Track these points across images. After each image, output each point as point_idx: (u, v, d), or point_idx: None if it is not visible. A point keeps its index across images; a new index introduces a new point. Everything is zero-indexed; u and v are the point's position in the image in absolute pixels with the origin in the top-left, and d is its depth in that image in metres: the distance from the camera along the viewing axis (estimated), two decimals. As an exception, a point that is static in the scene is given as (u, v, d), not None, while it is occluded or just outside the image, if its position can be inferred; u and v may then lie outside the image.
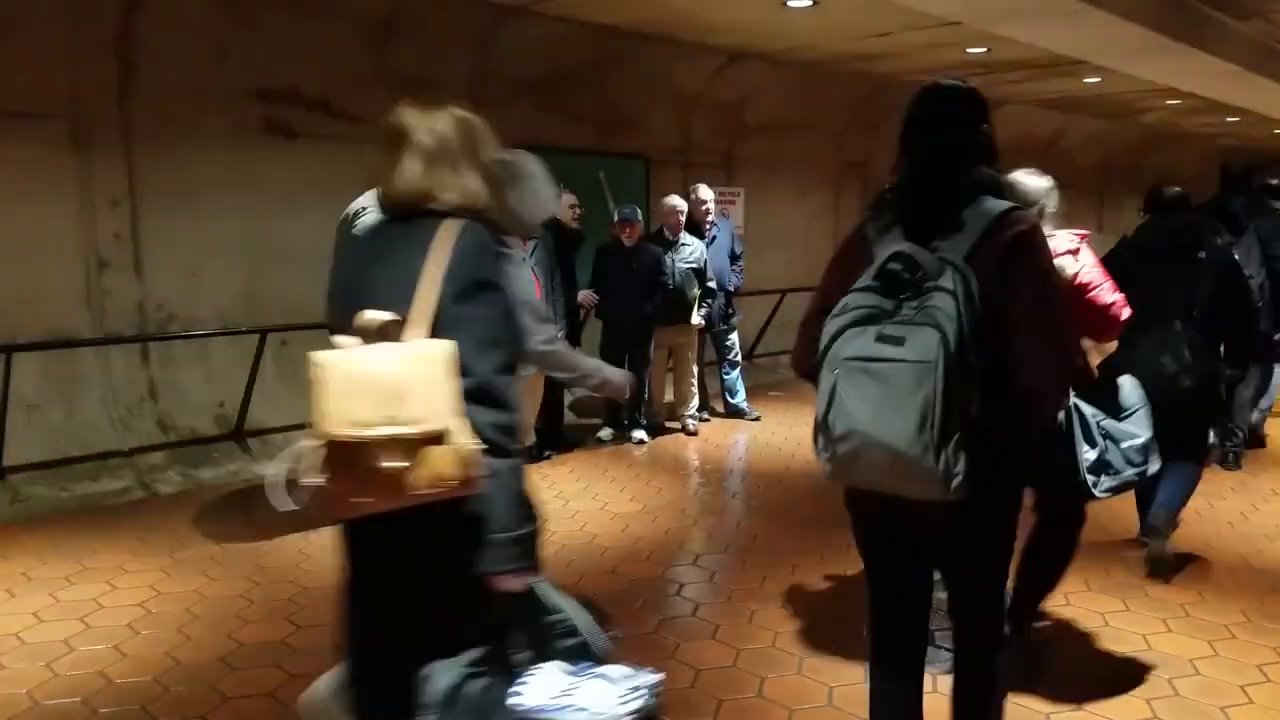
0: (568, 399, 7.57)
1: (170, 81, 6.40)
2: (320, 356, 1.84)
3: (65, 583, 4.51)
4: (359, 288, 2.05)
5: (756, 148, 10.66)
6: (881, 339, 2.08)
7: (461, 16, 7.37)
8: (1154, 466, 3.36)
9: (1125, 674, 3.61)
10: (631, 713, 2.13)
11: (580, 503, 5.82)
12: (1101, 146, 15.83)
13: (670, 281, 7.12)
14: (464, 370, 1.89)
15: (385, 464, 1.81)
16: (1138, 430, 3.34)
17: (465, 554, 1.95)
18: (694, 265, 7.28)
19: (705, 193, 7.82)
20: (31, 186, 5.97)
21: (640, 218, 7.22)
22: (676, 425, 7.69)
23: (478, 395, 1.91)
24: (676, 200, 7.43)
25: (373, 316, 1.90)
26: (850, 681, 3.52)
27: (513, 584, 1.99)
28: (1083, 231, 3.47)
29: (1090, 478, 3.23)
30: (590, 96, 8.79)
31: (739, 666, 3.66)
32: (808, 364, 2.27)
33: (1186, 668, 3.63)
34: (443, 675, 1.98)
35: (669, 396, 7.83)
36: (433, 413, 1.82)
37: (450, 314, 1.93)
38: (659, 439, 7.47)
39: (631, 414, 7.35)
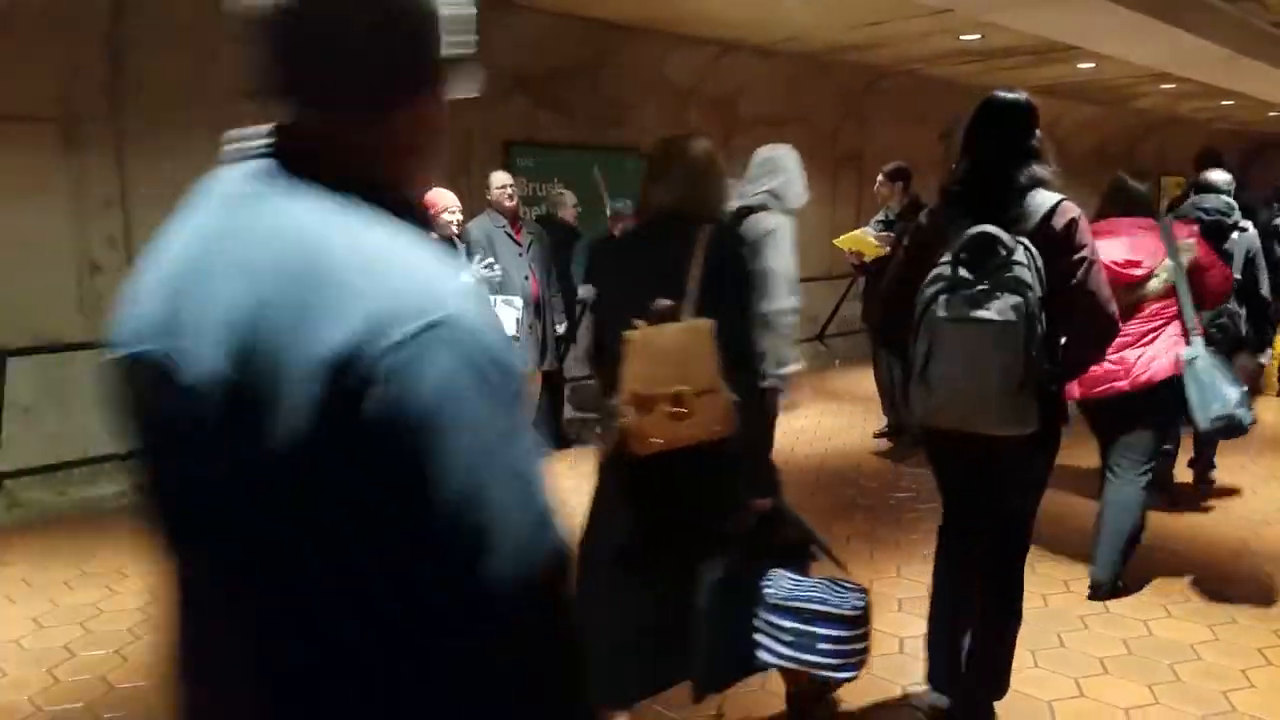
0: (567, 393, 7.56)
1: (162, 83, 6.38)
2: (629, 335, 2.53)
3: (65, 588, 4.50)
4: (633, 281, 2.70)
5: (752, 140, 10.59)
6: (971, 303, 2.54)
7: (452, 12, 7.34)
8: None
9: (1126, 659, 3.62)
10: (853, 608, 2.64)
11: (579, 499, 5.80)
12: (1096, 133, 15.80)
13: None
14: (725, 341, 2.54)
15: (672, 411, 2.53)
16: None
17: (728, 481, 2.67)
18: None
19: None
20: (23, 190, 5.95)
21: (633, 211, 7.21)
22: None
23: (736, 361, 2.59)
24: None
25: (661, 303, 2.55)
26: (852, 673, 3.52)
27: (761, 505, 2.73)
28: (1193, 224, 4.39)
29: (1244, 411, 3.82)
30: (583, 90, 8.77)
31: (740, 660, 3.66)
32: (896, 332, 2.80)
33: (1188, 653, 3.64)
34: (712, 572, 2.60)
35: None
36: (704, 374, 2.53)
37: (712, 298, 2.57)
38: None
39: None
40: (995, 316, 2.49)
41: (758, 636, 2.63)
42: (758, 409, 2.74)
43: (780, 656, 2.63)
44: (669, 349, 2.53)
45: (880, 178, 6.79)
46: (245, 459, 0.88)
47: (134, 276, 1.08)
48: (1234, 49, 9.24)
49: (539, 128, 8.70)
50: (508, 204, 6.22)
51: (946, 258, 2.63)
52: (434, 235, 5.03)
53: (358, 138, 0.99)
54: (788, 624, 2.60)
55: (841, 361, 10.12)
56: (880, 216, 6.83)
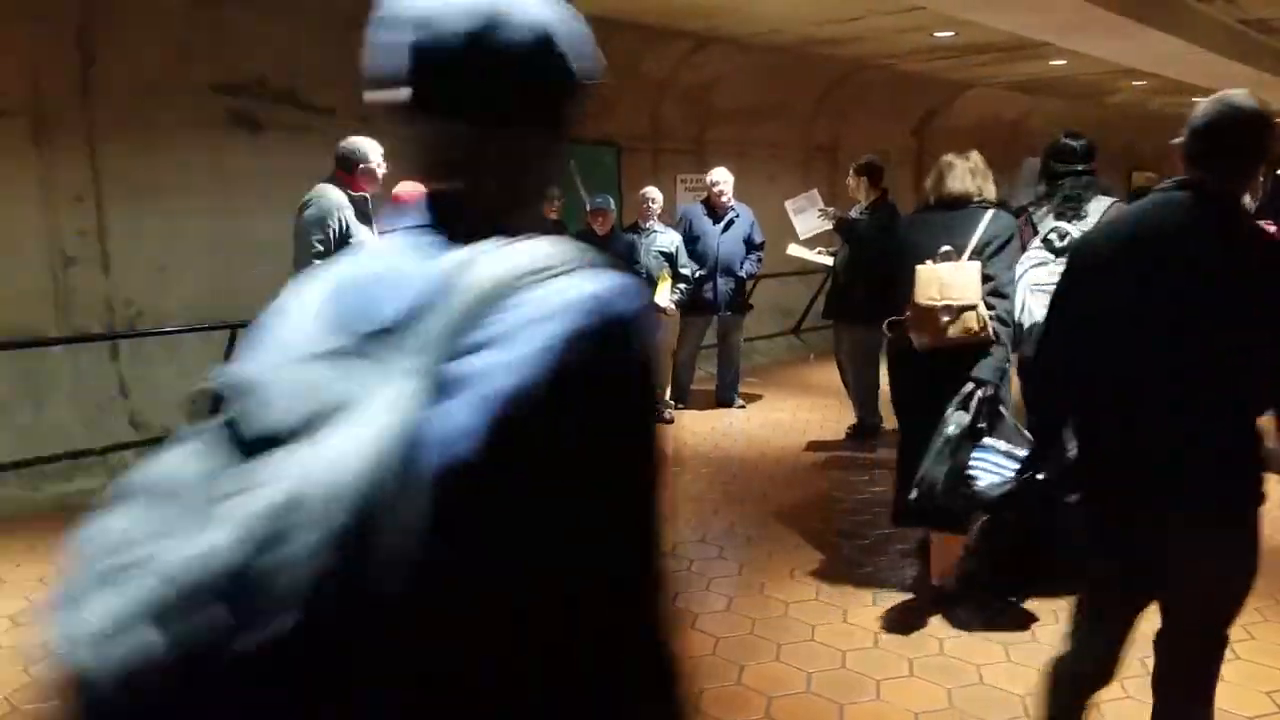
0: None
1: (133, 75, 6.33)
2: (919, 268, 3.86)
3: (41, 585, 4.47)
4: (930, 240, 3.94)
5: (727, 133, 10.67)
6: (1050, 273, 3.74)
7: (428, 5, 7.32)
8: None
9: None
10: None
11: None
12: (1067, 127, 15.96)
13: (642, 269, 7.13)
14: (986, 279, 3.82)
15: (942, 319, 3.78)
16: None
17: (973, 367, 3.73)
18: (664, 250, 7.27)
19: (717, 174, 7.65)
20: (-7, 184, 5.90)
21: (613, 206, 7.22)
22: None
23: (992, 292, 3.84)
24: (650, 190, 7.47)
25: (946, 249, 3.88)
26: (828, 668, 3.57)
27: (989, 389, 3.66)
28: None
29: None
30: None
31: (718, 654, 3.70)
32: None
33: (1156, 645, 3.69)
34: (950, 424, 3.56)
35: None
36: (968, 294, 3.76)
37: (985, 253, 3.87)
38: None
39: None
40: None
41: (972, 471, 3.36)
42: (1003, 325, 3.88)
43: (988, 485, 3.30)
44: (943, 276, 3.81)
45: (851, 171, 6.82)
46: None
47: None
48: (1205, 46, 9.35)
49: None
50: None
51: (1035, 243, 4.10)
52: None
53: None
54: (992, 456, 3.38)
55: (817, 355, 10.17)
56: (855, 211, 6.85)
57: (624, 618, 0.93)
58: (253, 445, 0.89)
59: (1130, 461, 2.29)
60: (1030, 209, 4.36)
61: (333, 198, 5.03)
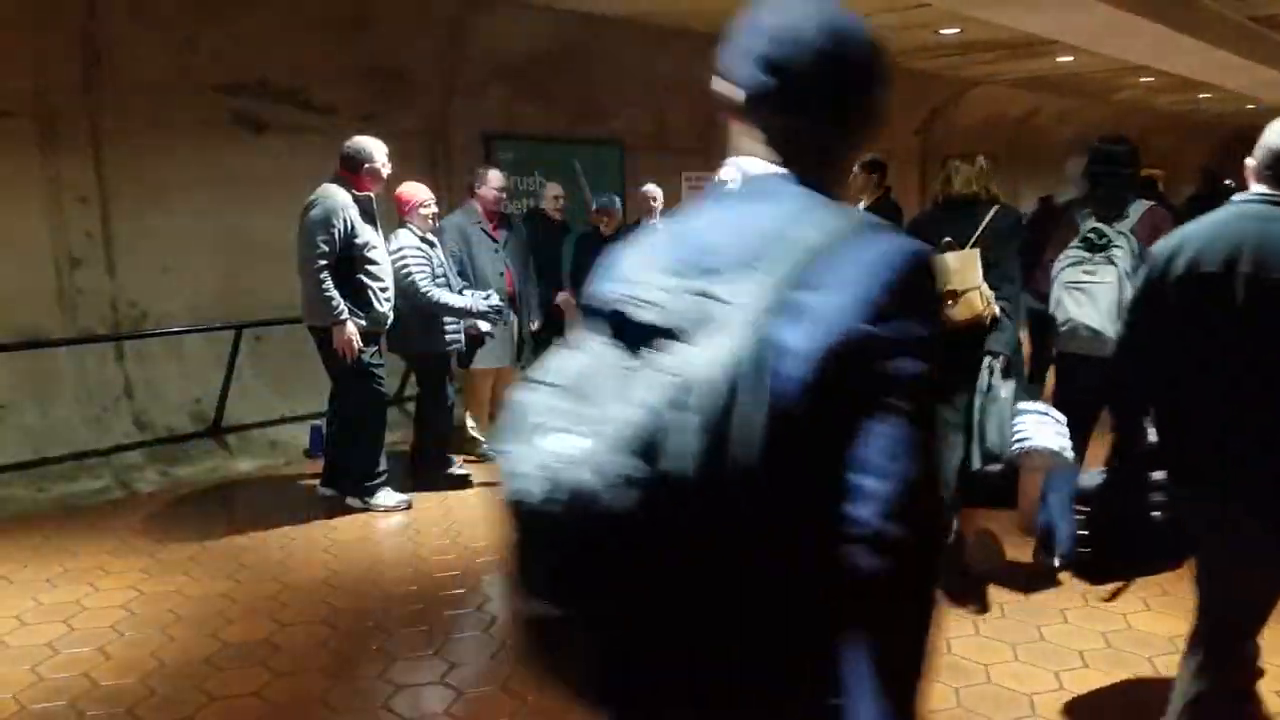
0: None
1: (137, 76, 6.33)
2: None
3: (47, 585, 4.48)
4: (937, 237, 4.12)
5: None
6: (1086, 272, 4.00)
7: (431, 3, 7.32)
8: None
9: (1105, 653, 3.66)
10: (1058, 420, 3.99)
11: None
12: (1074, 124, 15.91)
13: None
14: (991, 266, 4.04)
15: (948, 303, 3.93)
16: None
17: (986, 339, 4.04)
18: None
19: (726, 172, 7.62)
20: (-1, 185, 5.91)
21: (618, 205, 7.20)
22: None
23: (997, 275, 4.07)
24: (651, 188, 7.44)
25: (948, 240, 4.12)
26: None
27: (1001, 360, 4.04)
28: None
29: None
30: (564, 83, 8.74)
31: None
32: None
33: (1166, 645, 3.68)
34: (1001, 390, 4.00)
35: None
36: (970, 279, 3.98)
37: (990, 243, 4.13)
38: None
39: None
40: (1103, 280, 4.00)
41: (1019, 430, 3.88)
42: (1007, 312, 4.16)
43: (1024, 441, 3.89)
44: (950, 265, 4.00)
45: (855, 168, 6.78)
46: None
47: None
48: (1213, 43, 9.31)
49: (519, 120, 8.68)
50: (495, 204, 6.14)
51: (1075, 242, 4.10)
52: (413, 229, 4.95)
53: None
54: (1033, 413, 3.94)
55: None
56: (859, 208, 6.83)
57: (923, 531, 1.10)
58: (636, 336, 1.16)
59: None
60: (1073, 208, 4.54)
61: (337, 198, 5.03)
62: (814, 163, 1.28)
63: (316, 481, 5.71)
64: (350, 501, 5.43)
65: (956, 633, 3.83)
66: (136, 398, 6.45)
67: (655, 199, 7.37)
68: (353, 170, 5.13)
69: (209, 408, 6.59)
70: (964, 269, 4.06)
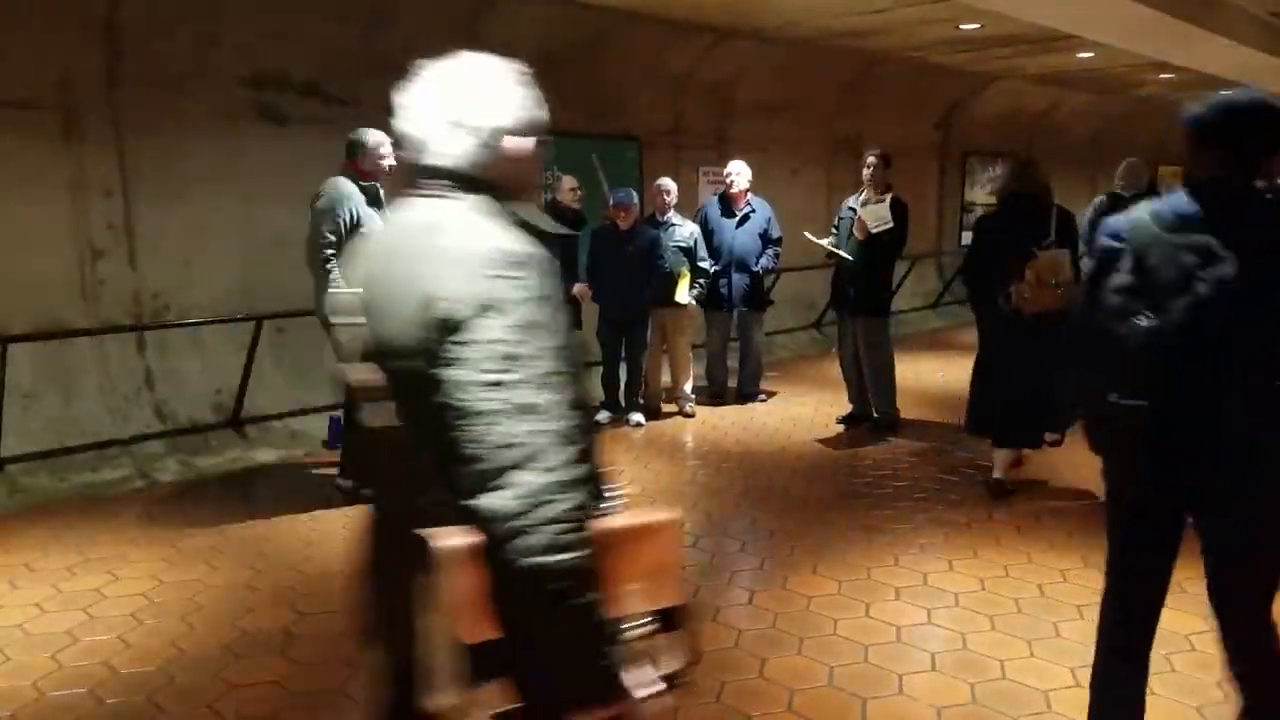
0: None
1: (160, 69, 6.37)
2: (1043, 254, 4.95)
3: (67, 573, 4.52)
4: (1009, 232, 5.11)
5: (748, 127, 10.62)
6: None
7: (451, -1, 7.34)
8: None
9: (1122, 650, 3.65)
10: None
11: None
12: (1095, 119, 15.81)
13: (665, 264, 7.12)
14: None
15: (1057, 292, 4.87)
16: None
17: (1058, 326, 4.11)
18: (683, 245, 7.25)
19: (732, 166, 7.59)
20: (23, 177, 5.95)
21: (635, 200, 7.18)
22: (674, 408, 7.69)
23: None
24: (664, 181, 7.43)
25: (1050, 240, 5.03)
26: (850, 662, 3.56)
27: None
28: None
29: None
30: (580, 78, 8.73)
31: (741, 648, 3.70)
32: None
33: (1183, 643, 3.67)
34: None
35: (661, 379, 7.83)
36: (1066, 273, 4.84)
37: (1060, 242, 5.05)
38: (656, 422, 7.45)
39: (629, 397, 7.34)
40: None
41: None
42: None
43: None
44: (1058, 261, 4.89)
45: (874, 160, 6.72)
46: None
47: None
48: (1236, 39, 9.24)
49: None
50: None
51: None
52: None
53: None
54: None
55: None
56: (868, 198, 6.76)
57: None
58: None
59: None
60: (1130, 204, 4.81)
61: (341, 188, 5.09)
62: (1246, 177, 2.28)
63: (336, 472, 5.74)
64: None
65: (971, 628, 3.83)
66: (158, 388, 6.50)
67: (669, 192, 7.35)
68: (355, 160, 5.19)
69: (229, 398, 6.63)
70: (1064, 264, 4.93)
